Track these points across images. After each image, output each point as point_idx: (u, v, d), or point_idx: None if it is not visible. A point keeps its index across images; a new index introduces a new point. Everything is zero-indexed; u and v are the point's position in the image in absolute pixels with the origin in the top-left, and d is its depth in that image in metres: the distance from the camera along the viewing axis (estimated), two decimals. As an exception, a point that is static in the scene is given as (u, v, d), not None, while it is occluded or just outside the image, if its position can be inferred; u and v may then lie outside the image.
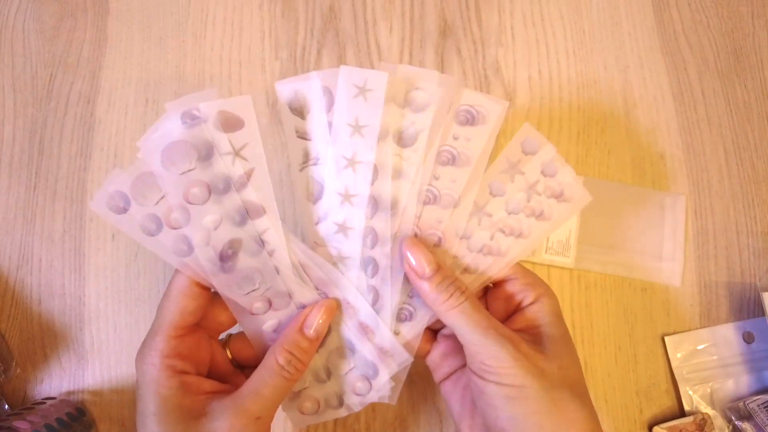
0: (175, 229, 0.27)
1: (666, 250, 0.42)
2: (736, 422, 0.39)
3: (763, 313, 0.39)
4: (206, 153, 0.27)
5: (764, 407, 0.37)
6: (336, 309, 0.30)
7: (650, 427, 0.39)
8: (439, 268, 0.29)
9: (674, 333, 0.41)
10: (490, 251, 0.31)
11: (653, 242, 0.42)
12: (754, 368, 0.41)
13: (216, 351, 0.30)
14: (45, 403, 0.37)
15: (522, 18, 0.46)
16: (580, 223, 0.42)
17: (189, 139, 0.26)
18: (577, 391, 0.28)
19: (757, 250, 0.43)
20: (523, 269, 0.32)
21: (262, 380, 0.28)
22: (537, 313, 0.30)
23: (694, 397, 0.40)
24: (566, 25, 0.46)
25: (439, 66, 0.45)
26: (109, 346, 0.40)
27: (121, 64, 0.44)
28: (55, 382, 0.39)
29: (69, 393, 0.39)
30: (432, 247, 0.31)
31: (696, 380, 0.40)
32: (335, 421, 0.39)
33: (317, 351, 0.31)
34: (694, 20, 0.47)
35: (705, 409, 0.40)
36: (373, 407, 0.39)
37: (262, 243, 0.29)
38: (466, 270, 0.31)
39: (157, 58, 0.45)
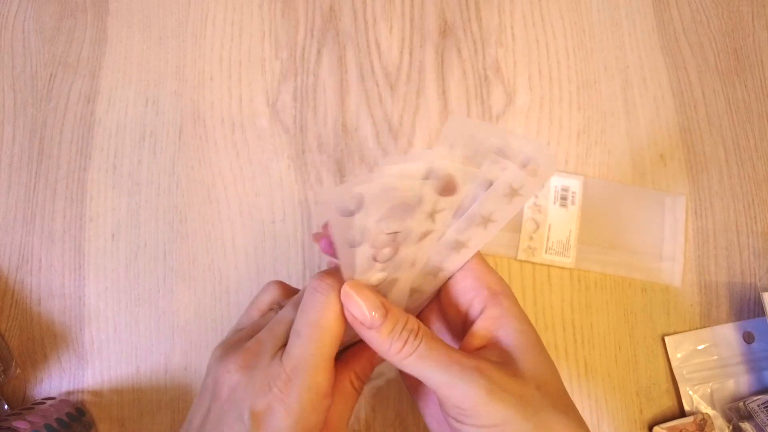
0: (376, 261, 0.25)
1: (666, 250, 0.42)
2: (736, 422, 0.39)
3: (763, 313, 0.39)
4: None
5: (764, 407, 0.37)
6: None
7: (650, 427, 0.39)
8: (387, 312, 0.25)
9: (674, 333, 0.41)
10: (455, 245, 0.28)
11: (653, 242, 0.42)
12: (754, 368, 0.41)
13: None
14: (45, 403, 0.37)
15: (522, 18, 0.46)
16: (580, 222, 0.42)
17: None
18: (561, 405, 0.25)
19: (757, 250, 0.43)
20: (475, 260, 0.28)
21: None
22: (497, 320, 0.26)
23: (694, 397, 0.40)
24: (566, 25, 0.46)
25: (439, 66, 0.45)
26: (109, 346, 0.40)
27: (121, 64, 0.44)
28: (55, 382, 0.39)
29: (69, 393, 0.39)
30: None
31: (696, 380, 0.40)
32: (335, 421, 0.39)
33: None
34: (694, 20, 0.47)
35: (705, 409, 0.40)
36: (373, 407, 0.39)
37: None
38: (427, 272, 0.29)
39: (157, 58, 0.45)
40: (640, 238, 0.42)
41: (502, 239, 0.42)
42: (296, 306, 0.26)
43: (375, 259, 0.25)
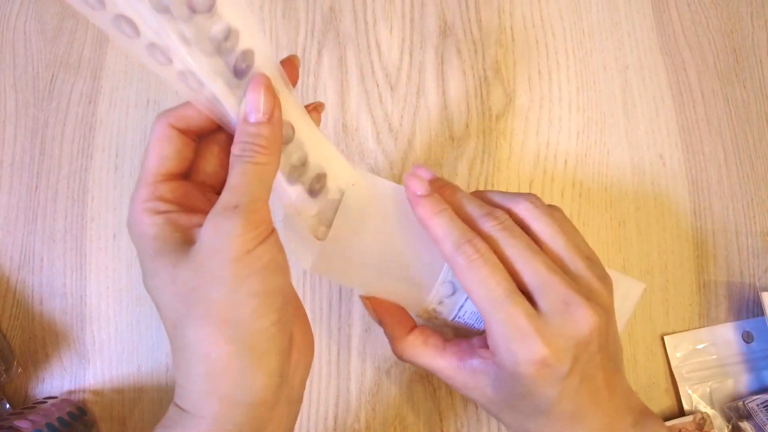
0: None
1: None
2: (735, 421, 0.39)
3: (762, 313, 0.39)
4: None
5: (763, 407, 0.37)
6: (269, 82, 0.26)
7: (650, 427, 0.39)
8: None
9: (673, 333, 0.41)
10: None
11: None
12: (753, 368, 0.41)
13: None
14: (46, 402, 0.37)
15: (522, 18, 0.46)
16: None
17: None
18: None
19: (756, 250, 0.43)
20: None
21: (229, 175, 0.26)
22: None
23: (693, 397, 0.40)
24: (565, 25, 0.46)
25: (439, 66, 0.45)
26: (110, 346, 0.40)
27: (122, 65, 0.45)
28: (57, 381, 0.39)
29: (70, 392, 0.39)
30: None
31: (695, 380, 0.40)
32: (335, 420, 0.39)
33: None
34: (693, 21, 0.47)
35: (704, 408, 0.40)
36: (373, 407, 0.39)
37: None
38: None
39: (158, 59, 0.45)
40: None
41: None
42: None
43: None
